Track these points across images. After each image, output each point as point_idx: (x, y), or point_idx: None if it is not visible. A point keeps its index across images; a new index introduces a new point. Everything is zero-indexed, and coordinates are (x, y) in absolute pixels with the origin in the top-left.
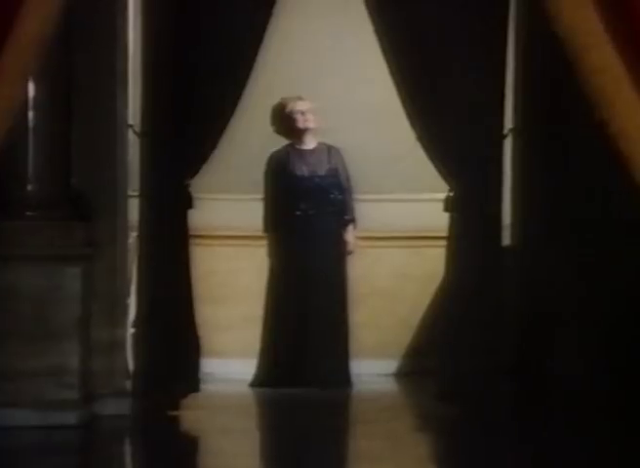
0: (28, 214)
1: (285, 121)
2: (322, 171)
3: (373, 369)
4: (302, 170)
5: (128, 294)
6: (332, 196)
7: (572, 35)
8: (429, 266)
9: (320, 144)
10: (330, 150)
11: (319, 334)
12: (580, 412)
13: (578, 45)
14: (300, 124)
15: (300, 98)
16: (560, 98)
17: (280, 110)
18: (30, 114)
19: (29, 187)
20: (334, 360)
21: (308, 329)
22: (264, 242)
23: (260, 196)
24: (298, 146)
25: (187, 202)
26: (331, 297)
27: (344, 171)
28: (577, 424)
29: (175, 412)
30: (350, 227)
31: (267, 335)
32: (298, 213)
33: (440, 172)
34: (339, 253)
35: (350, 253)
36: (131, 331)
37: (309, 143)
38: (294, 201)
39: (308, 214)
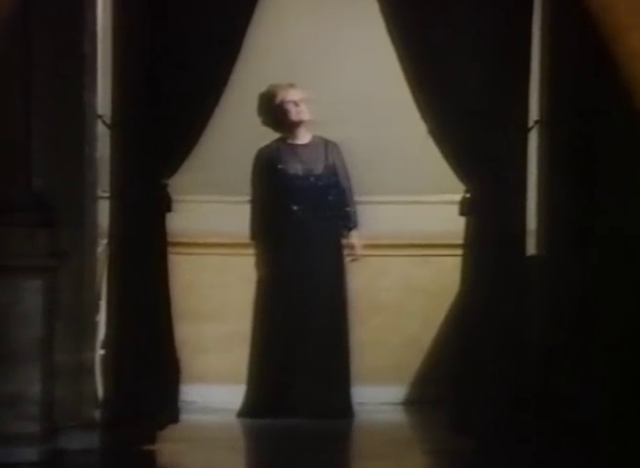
0: None
1: (275, 112)
2: (318, 169)
3: (377, 396)
4: (296, 167)
5: (97, 311)
6: (329, 198)
7: (608, 15)
8: (442, 278)
9: (315, 138)
10: (327, 145)
11: (316, 357)
12: (602, 445)
13: (614, 26)
14: (293, 116)
15: (291, 86)
16: (592, 87)
17: (269, 99)
18: None
19: None
20: (333, 386)
21: (303, 350)
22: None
23: (249, 198)
24: (290, 141)
25: (166, 204)
26: (329, 314)
27: (344, 169)
28: (599, 458)
29: (151, 447)
30: (354, 232)
31: (256, 358)
32: (290, 216)
33: (455, 170)
34: (337, 264)
35: (356, 259)
36: (100, 353)
37: (303, 137)
38: (286, 203)
39: (302, 218)
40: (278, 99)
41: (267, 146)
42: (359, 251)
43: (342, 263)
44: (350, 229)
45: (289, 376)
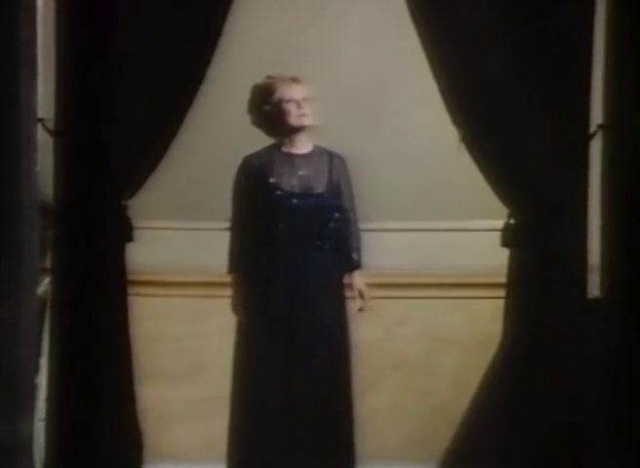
0: None
1: (271, 111)
2: (319, 187)
3: None
4: (292, 183)
5: (36, 371)
6: (331, 224)
7: None
8: (479, 327)
9: (318, 149)
10: (332, 159)
11: (311, 429)
12: None
13: None
14: (293, 119)
15: (294, 81)
16: None
17: (265, 95)
18: None
19: None
20: (334, 465)
21: (296, 420)
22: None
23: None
24: (285, 149)
25: (126, 232)
26: (328, 373)
27: (348, 189)
28: None
29: None
30: (357, 273)
31: (237, 431)
32: (281, 245)
33: (495, 188)
34: (339, 307)
35: (363, 308)
36: (40, 424)
37: (302, 146)
38: (276, 228)
39: (296, 247)
40: (276, 96)
41: (257, 154)
42: (367, 296)
43: (345, 307)
44: (352, 269)
45: (278, 454)
